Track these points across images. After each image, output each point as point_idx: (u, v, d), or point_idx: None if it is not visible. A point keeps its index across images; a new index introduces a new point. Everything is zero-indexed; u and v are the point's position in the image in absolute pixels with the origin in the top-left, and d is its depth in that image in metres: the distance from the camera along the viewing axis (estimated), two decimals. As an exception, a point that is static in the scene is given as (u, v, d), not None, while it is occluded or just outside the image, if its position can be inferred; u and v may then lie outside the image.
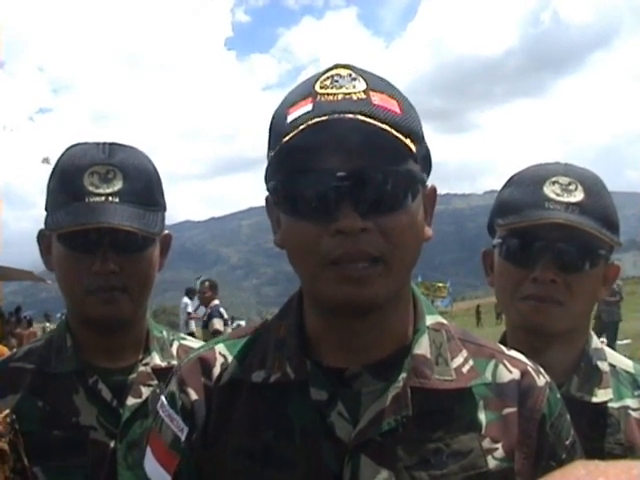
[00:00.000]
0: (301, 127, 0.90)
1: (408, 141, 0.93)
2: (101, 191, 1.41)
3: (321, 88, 0.96)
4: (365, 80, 0.97)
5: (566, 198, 1.41)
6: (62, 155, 1.50)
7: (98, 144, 1.49)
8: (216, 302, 9.78)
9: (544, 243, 1.40)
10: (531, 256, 1.42)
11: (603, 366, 1.45)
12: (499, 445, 1.01)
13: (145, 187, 1.47)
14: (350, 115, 0.89)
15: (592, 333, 1.52)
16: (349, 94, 0.94)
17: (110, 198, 1.41)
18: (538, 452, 1.04)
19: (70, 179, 1.43)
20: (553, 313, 1.41)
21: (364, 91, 0.95)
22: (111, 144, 1.49)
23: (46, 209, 1.49)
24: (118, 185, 1.43)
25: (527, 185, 1.47)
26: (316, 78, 0.98)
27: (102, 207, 1.39)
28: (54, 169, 1.50)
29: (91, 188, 1.41)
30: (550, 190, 1.43)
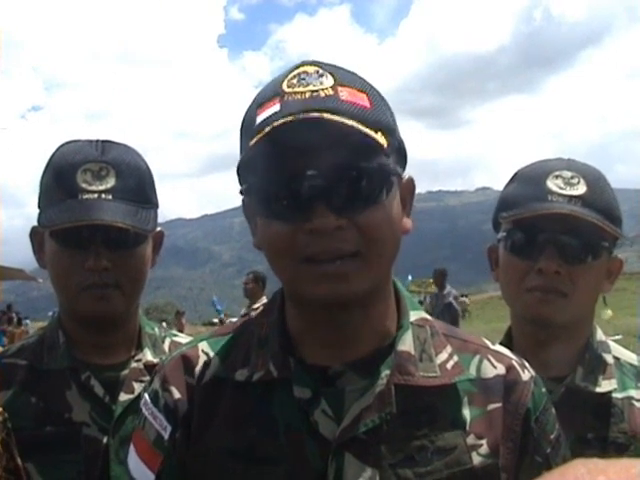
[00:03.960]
0: (267, 129, 0.89)
1: (379, 135, 0.92)
2: (94, 188, 1.42)
3: (288, 87, 0.95)
4: (333, 76, 0.96)
5: (569, 191, 1.44)
6: (55, 152, 1.50)
7: (91, 142, 1.50)
8: (265, 300, 8.76)
9: (548, 235, 1.43)
10: (535, 248, 1.44)
11: (607, 358, 1.47)
12: (483, 441, 1.01)
13: (138, 184, 1.48)
14: (316, 114, 0.88)
15: (596, 326, 1.54)
16: (316, 91, 0.93)
17: (103, 195, 1.42)
18: (522, 447, 1.04)
19: (63, 176, 1.44)
20: (557, 304, 1.43)
21: (332, 87, 0.94)
22: (104, 142, 1.50)
23: (39, 206, 1.49)
24: (111, 182, 1.44)
25: (530, 180, 1.49)
26: (283, 77, 0.98)
27: (95, 204, 1.40)
28: (47, 166, 1.50)
29: (84, 185, 1.42)
30: (553, 184, 1.45)
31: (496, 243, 1.57)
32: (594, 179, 1.48)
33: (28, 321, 27.16)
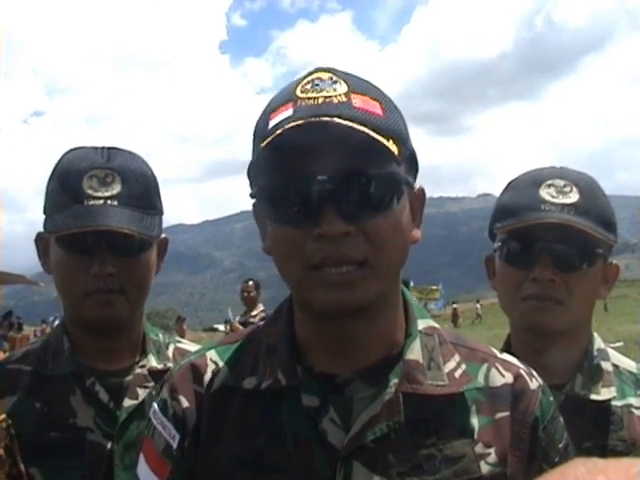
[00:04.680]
0: (278, 132, 0.89)
1: (390, 142, 0.91)
2: (100, 194, 1.43)
3: (302, 92, 0.95)
4: (346, 83, 0.95)
5: (561, 200, 1.44)
6: (61, 159, 1.51)
7: (97, 148, 1.51)
8: (262, 307, 8.83)
9: (542, 244, 1.44)
10: (530, 257, 1.45)
11: (606, 366, 1.48)
12: (492, 450, 1.01)
13: (143, 191, 1.49)
14: (327, 118, 0.88)
15: (595, 334, 1.55)
16: (329, 97, 0.93)
17: (109, 201, 1.42)
18: (531, 455, 1.03)
19: (69, 182, 1.45)
20: (553, 312, 1.44)
21: (345, 94, 0.93)
22: (110, 148, 1.51)
23: (44, 212, 1.50)
24: (117, 189, 1.44)
25: (524, 189, 1.50)
26: (297, 82, 0.97)
27: (101, 210, 1.41)
28: (53, 172, 1.51)
29: (90, 191, 1.43)
30: (546, 193, 1.46)
31: (493, 253, 1.58)
32: (587, 186, 1.48)
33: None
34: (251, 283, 9.02)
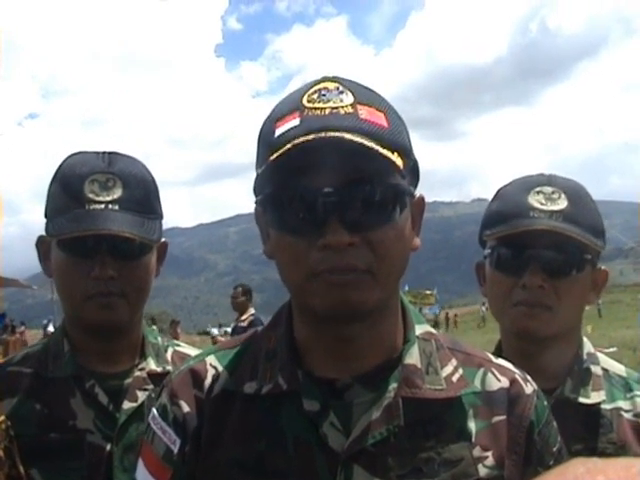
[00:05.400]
0: (287, 146, 0.90)
1: (395, 156, 0.93)
2: (101, 199, 1.44)
3: (308, 102, 0.96)
4: (353, 93, 0.97)
5: (550, 206, 1.46)
6: (63, 163, 1.53)
7: (98, 153, 1.52)
8: (252, 311, 9.03)
9: (531, 251, 1.46)
10: (519, 264, 1.47)
11: (596, 370, 1.50)
12: (489, 453, 1.02)
13: (144, 195, 1.51)
14: (336, 134, 0.89)
15: (585, 339, 1.56)
16: (336, 108, 0.94)
17: (110, 205, 1.44)
18: (526, 459, 1.05)
19: (71, 187, 1.46)
20: (542, 318, 1.45)
21: (351, 105, 0.95)
22: (110, 153, 1.53)
23: (45, 215, 1.51)
24: (118, 193, 1.46)
25: (513, 196, 1.52)
26: (304, 91, 0.98)
27: (102, 214, 1.42)
28: (55, 176, 1.52)
29: (91, 196, 1.44)
30: (534, 199, 1.48)
31: (483, 260, 1.60)
32: (575, 193, 1.51)
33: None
34: (239, 289, 9.25)
